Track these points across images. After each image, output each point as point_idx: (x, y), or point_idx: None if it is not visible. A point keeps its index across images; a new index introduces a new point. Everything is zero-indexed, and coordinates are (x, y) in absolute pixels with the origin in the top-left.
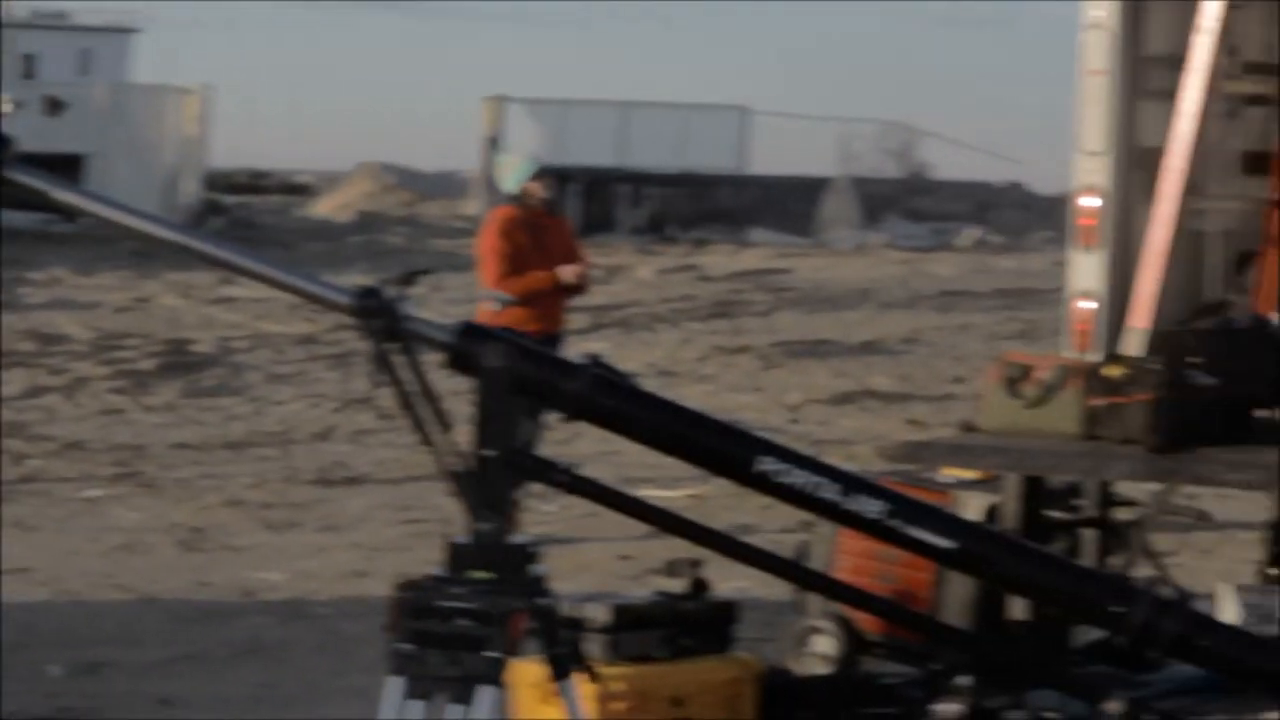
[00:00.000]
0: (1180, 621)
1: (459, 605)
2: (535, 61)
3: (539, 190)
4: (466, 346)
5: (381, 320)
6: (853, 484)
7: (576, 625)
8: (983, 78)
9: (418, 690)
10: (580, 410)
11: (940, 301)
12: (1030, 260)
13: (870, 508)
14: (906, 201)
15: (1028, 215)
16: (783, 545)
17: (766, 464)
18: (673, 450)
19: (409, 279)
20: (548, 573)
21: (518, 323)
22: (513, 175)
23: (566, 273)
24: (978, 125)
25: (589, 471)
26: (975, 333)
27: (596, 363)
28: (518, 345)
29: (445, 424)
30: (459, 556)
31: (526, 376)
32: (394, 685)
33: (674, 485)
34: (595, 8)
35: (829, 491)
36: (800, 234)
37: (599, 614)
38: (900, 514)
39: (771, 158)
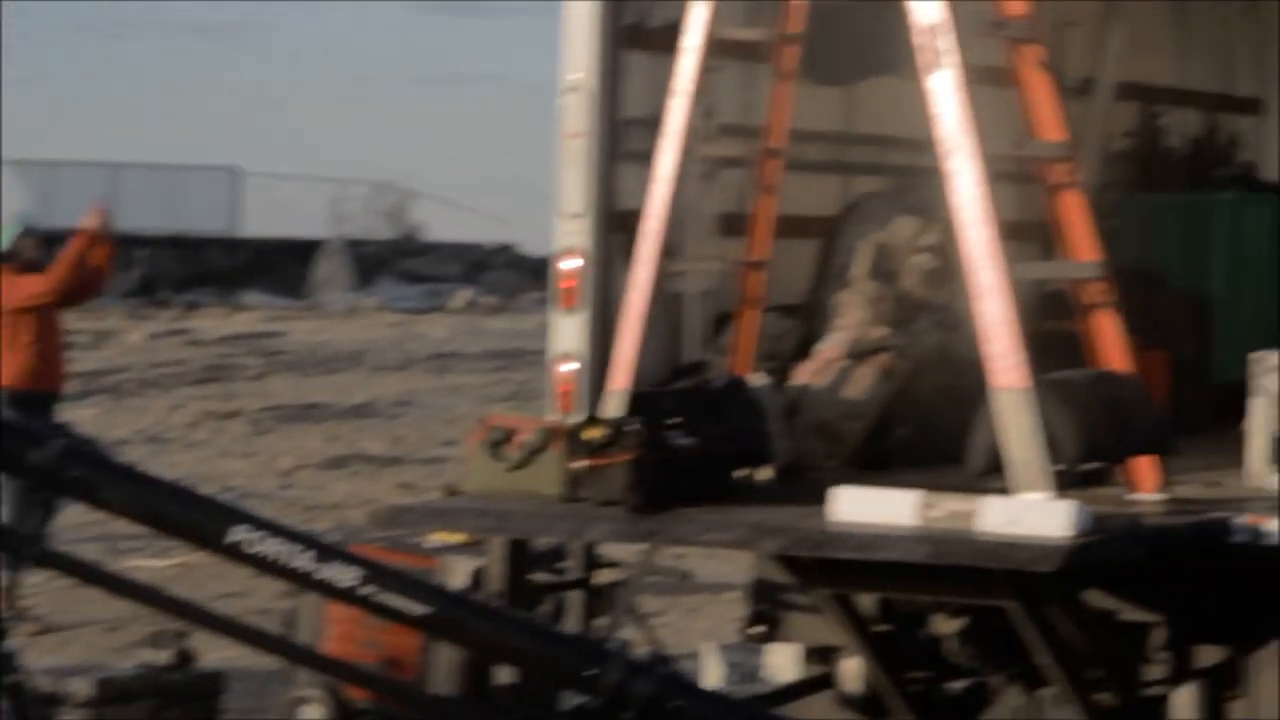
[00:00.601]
0: (652, 683)
1: None
2: (25, 122)
3: (30, 247)
4: None
5: None
6: (326, 553)
7: (57, 701)
8: (477, 138)
9: None
10: (46, 481)
11: (433, 364)
12: (521, 321)
13: (344, 576)
14: (399, 263)
15: (519, 276)
16: (274, 612)
17: (239, 534)
18: (144, 521)
19: None
20: (17, 648)
21: (19, 381)
22: (3, 233)
23: (90, 220)
24: (471, 186)
25: (77, 538)
26: (468, 394)
27: (66, 433)
28: None
29: None
30: None
31: None
32: None
33: (164, 554)
34: (87, 67)
35: (302, 560)
36: (293, 296)
37: (81, 688)
38: (374, 581)
39: (263, 219)
